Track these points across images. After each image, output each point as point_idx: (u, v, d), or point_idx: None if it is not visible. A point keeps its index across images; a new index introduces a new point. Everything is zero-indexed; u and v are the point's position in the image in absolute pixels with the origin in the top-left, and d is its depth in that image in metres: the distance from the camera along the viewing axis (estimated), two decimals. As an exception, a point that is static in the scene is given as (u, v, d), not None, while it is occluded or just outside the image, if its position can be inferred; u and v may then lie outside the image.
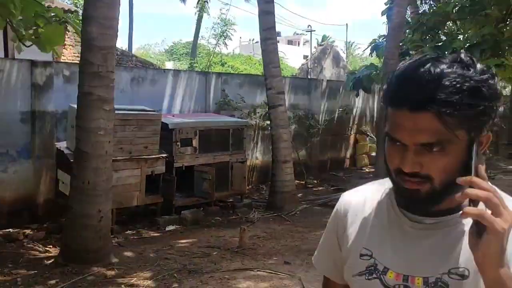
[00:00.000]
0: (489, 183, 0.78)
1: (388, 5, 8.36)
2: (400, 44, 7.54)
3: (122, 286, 4.04)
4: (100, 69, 4.07)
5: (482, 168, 0.81)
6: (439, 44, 7.08)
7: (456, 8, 7.29)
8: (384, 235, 0.95)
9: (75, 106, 5.45)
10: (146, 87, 7.32)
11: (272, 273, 4.27)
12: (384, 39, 8.19)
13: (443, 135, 0.81)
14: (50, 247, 5.15)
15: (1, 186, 5.76)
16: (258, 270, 4.31)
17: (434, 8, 8.42)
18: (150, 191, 6.07)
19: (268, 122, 8.72)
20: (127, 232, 5.83)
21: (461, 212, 0.76)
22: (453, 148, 0.82)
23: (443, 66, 0.81)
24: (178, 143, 6.26)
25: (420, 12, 9.00)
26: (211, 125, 6.72)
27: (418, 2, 10.11)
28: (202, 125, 6.57)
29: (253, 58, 31.07)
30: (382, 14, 8.32)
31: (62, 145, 5.78)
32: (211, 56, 24.78)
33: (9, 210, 5.81)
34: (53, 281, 4.11)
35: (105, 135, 4.24)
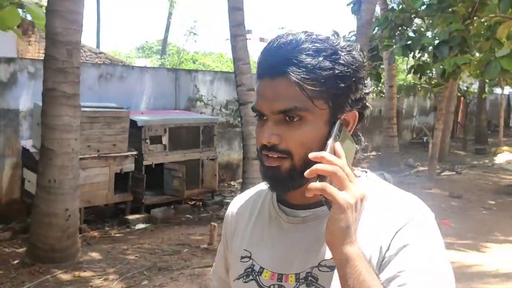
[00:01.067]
0: (343, 159, 0.74)
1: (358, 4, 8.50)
2: (369, 40, 7.68)
3: (91, 285, 3.99)
4: (65, 65, 3.99)
5: (339, 145, 0.77)
6: (408, 42, 7.25)
7: (425, 6, 7.48)
8: (264, 235, 0.92)
9: (41, 103, 5.34)
10: (114, 84, 7.22)
11: (242, 268, 4.30)
12: (354, 35, 8.32)
13: (300, 102, 0.78)
14: (16, 247, 5.03)
15: (-37, 186, 5.59)
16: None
17: (403, 5, 8.61)
18: (119, 190, 6.01)
19: (239, 119, 8.78)
20: (95, 231, 5.74)
21: (306, 192, 0.72)
22: (313, 119, 0.79)
23: (306, 36, 0.79)
24: (147, 141, 6.21)
25: (389, 8, 9.19)
26: (181, 122, 6.69)
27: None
28: (172, 122, 6.53)
29: (224, 55, 31.01)
30: (348, 5, 8.43)
31: (27, 143, 5.65)
32: (182, 54, 24.56)
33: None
34: (19, 281, 4.02)
35: (71, 132, 4.16)
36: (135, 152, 6.02)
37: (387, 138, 10.39)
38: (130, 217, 6.03)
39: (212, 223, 5.27)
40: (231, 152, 9.03)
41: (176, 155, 6.54)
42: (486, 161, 11.95)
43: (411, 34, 7.86)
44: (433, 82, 11.63)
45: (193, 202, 7.01)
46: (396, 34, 7.87)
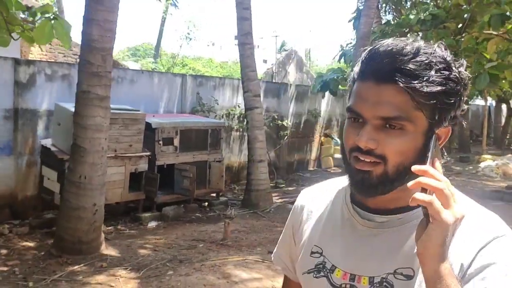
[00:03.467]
0: (443, 176, 0.75)
1: (354, 14, 8.96)
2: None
3: (119, 274, 4.28)
4: (99, 69, 4.29)
5: (438, 161, 0.78)
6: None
7: (419, 21, 7.98)
8: (336, 233, 0.93)
9: (61, 104, 5.62)
10: (125, 87, 7.49)
11: (259, 261, 4.63)
12: (351, 47, 8.78)
13: (405, 111, 0.78)
14: (37, 241, 5.26)
15: (-17, 182, 5.79)
16: (246, 259, 4.66)
17: (397, 18, 9.10)
18: (132, 188, 6.28)
19: (241, 124, 9.14)
20: (109, 227, 6.00)
21: (410, 200, 0.72)
22: (413, 130, 0.79)
23: (421, 44, 0.80)
24: (160, 142, 6.50)
25: (383, 22, 9.68)
26: (191, 125, 7.00)
27: (382, 12, 10.84)
28: (183, 125, 6.84)
29: (213, 61, 31.29)
30: (349, 21, 8.90)
31: (47, 142, 5.88)
32: (175, 58, 24.81)
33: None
34: (50, 271, 4.28)
35: (102, 132, 4.46)
36: (148, 153, 6.31)
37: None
38: (143, 214, 6.30)
39: (226, 219, 5.59)
40: (232, 156, 9.36)
41: (186, 156, 6.84)
42: (471, 167, 12.53)
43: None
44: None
45: (200, 201, 7.31)
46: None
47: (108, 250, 4.89)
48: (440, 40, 5.12)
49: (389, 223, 0.87)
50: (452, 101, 0.80)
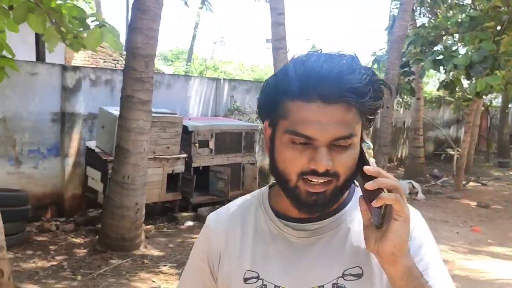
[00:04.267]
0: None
1: (391, 22, 8.96)
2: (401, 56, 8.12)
3: (160, 271, 4.48)
4: (142, 75, 4.53)
5: (373, 161, 0.83)
6: (438, 58, 7.67)
7: (456, 23, 7.91)
8: (268, 252, 0.89)
9: (105, 108, 5.91)
10: (162, 91, 7.76)
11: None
12: (384, 52, 8.78)
13: (355, 128, 0.80)
14: (82, 237, 5.56)
15: (32, 181, 6.15)
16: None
17: (433, 21, 9.03)
18: (169, 189, 6.51)
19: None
20: (148, 226, 6.24)
21: (375, 200, 0.74)
22: (356, 142, 0.82)
23: (357, 61, 0.80)
24: (196, 144, 6.72)
25: (418, 26, 9.61)
26: (226, 128, 7.19)
27: (416, 14, 10.75)
28: (218, 128, 7.04)
29: (243, 64, 31.67)
30: (385, 29, 8.91)
31: (91, 144, 6.19)
32: (207, 62, 25.25)
33: (38, 204, 6.19)
34: (96, 265, 4.54)
35: (144, 134, 4.69)
36: (185, 155, 6.53)
37: (413, 149, 10.75)
38: (179, 214, 6.53)
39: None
40: (264, 158, 9.49)
41: (220, 159, 7.03)
42: (511, 173, 12.21)
43: (441, 49, 8.27)
44: (465, 97, 11.96)
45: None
46: (427, 50, 8.29)
47: (148, 248, 5.12)
48: (477, 42, 5.07)
49: (324, 228, 0.87)
50: (379, 112, 0.89)
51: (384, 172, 0.77)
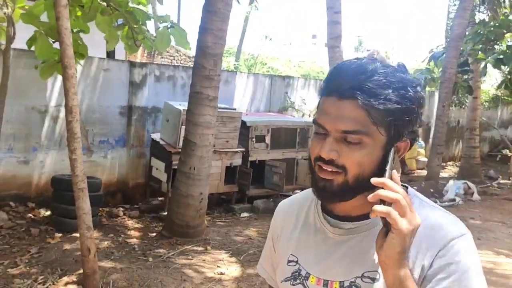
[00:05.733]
0: (400, 187, 0.81)
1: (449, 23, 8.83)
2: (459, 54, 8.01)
3: (222, 258, 4.76)
4: (211, 73, 4.80)
5: (396, 173, 0.83)
6: (501, 56, 7.51)
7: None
8: (309, 242, 0.99)
9: (170, 102, 6.26)
10: (220, 86, 8.05)
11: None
12: (442, 49, 8.66)
13: (364, 126, 0.84)
14: (147, 223, 5.95)
15: (101, 170, 6.62)
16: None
17: (494, 18, 8.80)
18: (226, 181, 6.80)
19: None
20: (206, 216, 6.56)
21: (370, 211, 0.79)
22: (371, 143, 0.85)
23: (378, 65, 0.86)
24: (253, 139, 6.97)
25: (477, 22, 9.39)
26: (281, 124, 7.39)
27: (476, 11, 10.48)
28: (274, 124, 7.25)
29: (291, 60, 31.70)
30: (447, 27, 8.77)
31: (156, 136, 6.58)
32: (256, 58, 25.53)
33: (106, 191, 6.66)
34: (163, 250, 4.88)
35: (210, 129, 4.97)
36: (243, 149, 6.79)
37: (469, 149, 10.52)
38: (236, 206, 6.81)
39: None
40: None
41: (276, 153, 7.25)
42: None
43: (503, 48, 8.08)
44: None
45: (286, 197, 7.69)
46: (488, 48, 8.12)
47: (210, 236, 5.42)
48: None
49: (357, 229, 0.93)
50: (408, 118, 0.87)
51: (390, 183, 0.79)
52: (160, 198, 6.82)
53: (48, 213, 5.74)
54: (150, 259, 4.58)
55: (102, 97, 6.54)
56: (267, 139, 7.12)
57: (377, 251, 0.82)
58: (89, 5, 4.53)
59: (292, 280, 0.99)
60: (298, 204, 1.08)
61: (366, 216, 0.91)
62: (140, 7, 4.68)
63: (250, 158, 6.96)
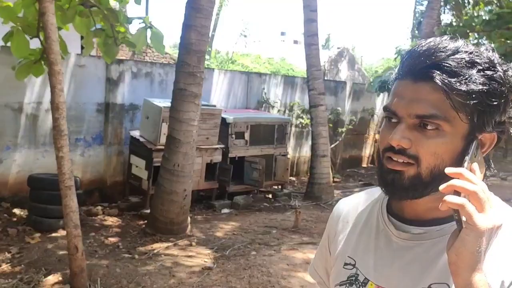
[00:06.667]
0: (481, 181, 0.70)
1: (419, 19, 9.14)
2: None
3: (207, 253, 4.80)
4: (194, 70, 4.82)
5: (477, 166, 0.73)
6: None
7: (483, 22, 8.09)
8: (370, 245, 0.90)
9: (150, 100, 6.22)
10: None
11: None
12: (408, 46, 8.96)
13: (442, 110, 0.74)
14: (128, 221, 5.90)
15: (78, 168, 6.50)
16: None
17: (458, 18, 9.17)
18: (206, 178, 6.82)
19: (300, 120, 9.54)
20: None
21: (440, 203, 0.67)
22: (450, 131, 0.75)
23: (461, 42, 0.76)
24: (233, 136, 7.01)
25: (443, 24, 9.77)
26: (260, 120, 7.47)
27: (440, 11, 10.90)
28: (253, 120, 7.32)
29: (261, 57, 31.84)
30: (414, 26, 9.11)
31: (135, 133, 6.52)
32: (231, 55, 25.56)
33: (83, 190, 6.54)
34: (148, 247, 4.87)
35: (194, 126, 4.99)
36: (223, 146, 6.83)
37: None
38: (216, 202, 6.84)
39: (297, 208, 6.02)
40: (290, 150, 9.76)
41: (255, 150, 7.32)
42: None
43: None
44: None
45: (265, 193, 7.79)
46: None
47: (193, 232, 5.44)
48: (504, 41, 5.32)
49: (426, 235, 0.82)
50: (496, 103, 0.75)
51: (468, 174, 0.68)
52: (139, 196, 6.77)
53: (24, 213, 5.60)
54: (136, 256, 4.56)
55: (78, 94, 6.42)
56: (246, 136, 7.19)
57: (447, 252, 0.70)
58: (67, 5, 4.47)
59: (347, 285, 0.90)
60: (360, 203, 0.99)
61: (438, 221, 0.81)
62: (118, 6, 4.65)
63: (230, 155, 7.01)
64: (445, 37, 0.79)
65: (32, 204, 5.25)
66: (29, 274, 3.95)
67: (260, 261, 4.52)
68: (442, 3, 10.32)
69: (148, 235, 5.20)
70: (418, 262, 0.81)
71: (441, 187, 0.68)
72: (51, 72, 3.51)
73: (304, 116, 9.55)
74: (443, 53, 0.75)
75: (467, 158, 0.73)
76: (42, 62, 4.41)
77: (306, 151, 9.78)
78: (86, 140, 6.60)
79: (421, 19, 8.83)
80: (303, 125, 9.65)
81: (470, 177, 0.68)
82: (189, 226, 5.45)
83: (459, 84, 0.73)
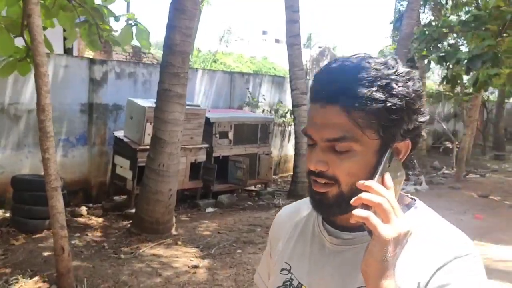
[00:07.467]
0: (391, 191, 0.75)
1: (396, 17, 9.33)
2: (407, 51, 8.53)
3: (194, 252, 4.86)
4: (179, 70, 4.86)
5: (388, 176, 0.77)
6: (443, 54, 8.10)
7: (461, 23, 8.33)
8: (305, 250, 0.93)
9: (134, 100, 6.24)
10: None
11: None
12: (393, 48, 9.15)
13: (350, 132, 0.77)
14: (113, 221, 5.91)
15: (62, 169, 6.47)
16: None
17: (437, 18, 9.41)
18: (191, 177, 6.87)
19: (284, 119, 9.65)
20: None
21: (350, 217, 0.71)
22: (361, 149, 0.79)
23: (363, 63, 0.79)
24: (217, 135, 7.07)
25: (422, 23, 10.00)
26: (244, 120, 7.54)
27: (421, 11, 11.14)
28: (236, 120, 7.39)
29: (243, 56, 31.90)
30: (390, 23, 9.30)
31: (119, 134, 6.52)
32: (214, 54, 25.54)
33: (68, 190, 6.52)
34: (133, 246, 4.90)
35: (179, 126, 5.04)
36: (207, 145, 6.89)
37: (416, 142, 11.18)
38: (201, 202, 6.90)
39: (283, 207, 6.11)
40: (273, 149, 9.87)
41: (239, 149, 7.40)
42: (507, 165, 12.72)
43: (446, 47, 8.69)
44: (465, 91, 12.38)
45: (249, 191, 7.87)
46: (432, 46, 8.70)
47: (178, 231, 5.49)
48: (480, 41, 5.55)
49: (355, 240, 0.86)
50: (396, 117, 0.78)
51: (376, 186, 0.72)
52: (123, 196, 6.78)
53: (7, 214, 5.56)
54: (122, 256, 4.59)
55: (61, 95, 6.39)
56: (230, 135, 7.25)
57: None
58: (52, 1, 4.46)
59: None
60: (299, 211, 1.01)
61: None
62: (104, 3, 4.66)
63: (214, 154, 7.07)
64: (353, 55, 0.82)
65: (16, 206, 5.23)
66: (14, 275, 3.95)
67: (245, 259, 4.60)
68: (421, 3, 10.56)
69: (133, 234, 5.23)
70: (347, 265, 0.85)
71: (352, 201, 0.73)
72: (37, 74, 3.51)
73: (287, 115, 9.66)
74: (347, 76, 0.78)
75: (378, 170, 0.78)
76: (28, 60, 4.39)
77: (289, 150, 9.90)
78: (70, 140, 6.58)
79: (398, 17, 9.01)
80: (287, 124, 9.76)
81: (378, 189, 0.72)
82: (174, 226, 5.49)
83: (358, 105, 0.76)
